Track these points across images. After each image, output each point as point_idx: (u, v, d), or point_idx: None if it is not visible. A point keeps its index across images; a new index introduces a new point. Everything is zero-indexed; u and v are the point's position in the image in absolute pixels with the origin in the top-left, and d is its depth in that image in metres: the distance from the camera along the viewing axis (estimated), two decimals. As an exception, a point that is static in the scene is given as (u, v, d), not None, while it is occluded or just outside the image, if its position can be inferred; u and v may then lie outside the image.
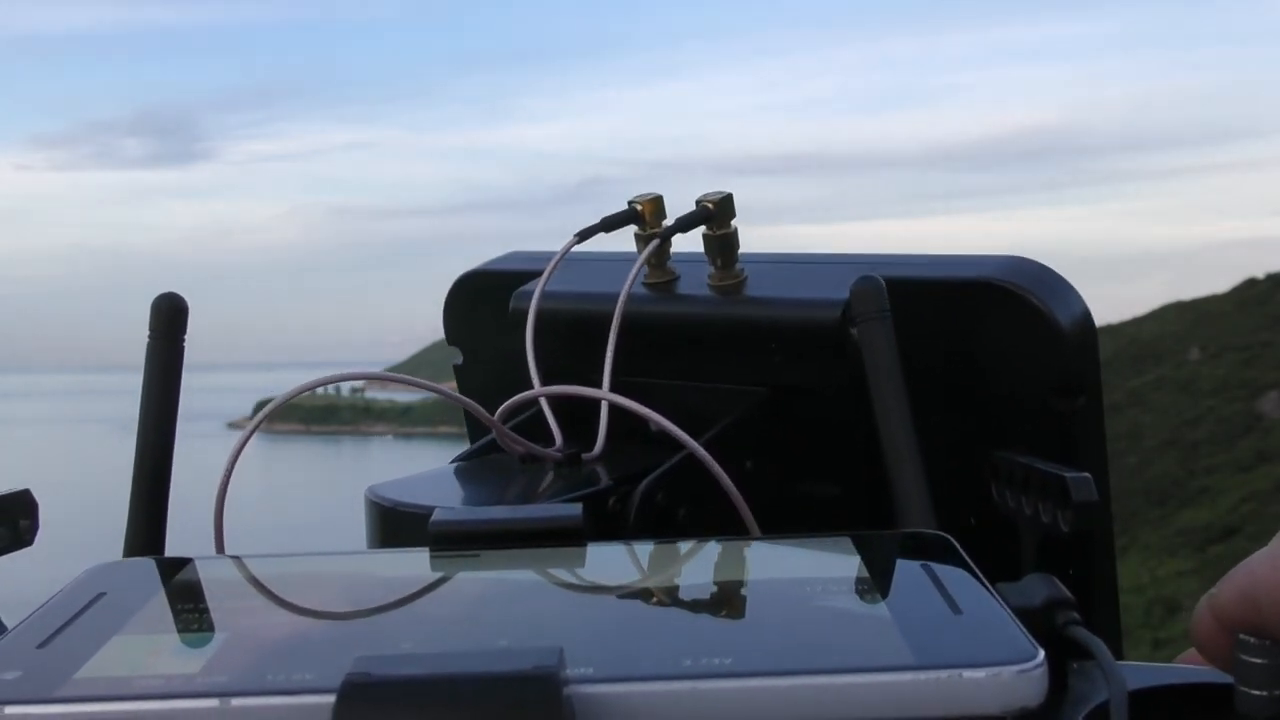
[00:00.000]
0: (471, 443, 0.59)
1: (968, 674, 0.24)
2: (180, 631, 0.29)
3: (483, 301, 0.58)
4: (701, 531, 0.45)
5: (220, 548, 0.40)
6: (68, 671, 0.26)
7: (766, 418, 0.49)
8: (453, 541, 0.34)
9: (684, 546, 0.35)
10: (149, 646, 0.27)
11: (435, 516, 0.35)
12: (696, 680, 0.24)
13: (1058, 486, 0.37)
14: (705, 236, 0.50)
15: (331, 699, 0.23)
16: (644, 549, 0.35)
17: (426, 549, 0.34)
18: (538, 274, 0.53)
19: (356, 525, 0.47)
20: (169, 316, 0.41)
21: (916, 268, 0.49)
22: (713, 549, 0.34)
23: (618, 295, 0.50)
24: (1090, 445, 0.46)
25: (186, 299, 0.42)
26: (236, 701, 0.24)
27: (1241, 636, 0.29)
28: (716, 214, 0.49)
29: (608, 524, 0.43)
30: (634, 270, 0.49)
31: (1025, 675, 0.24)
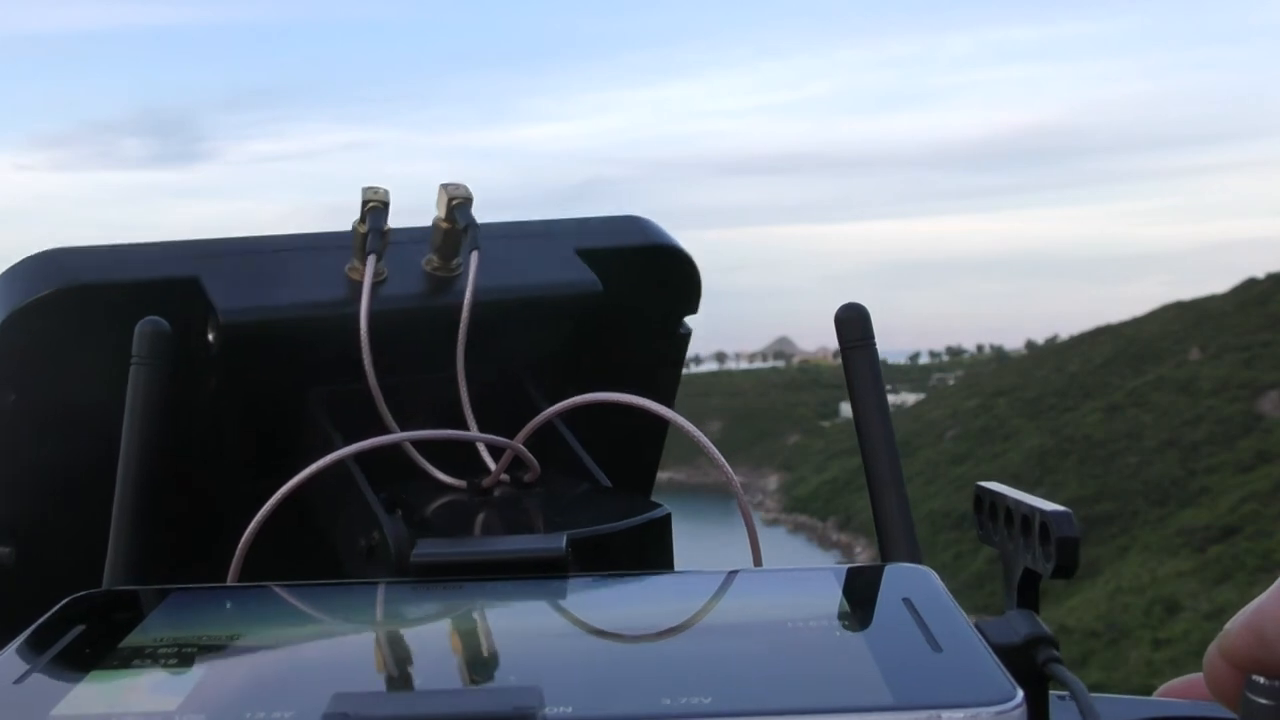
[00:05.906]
0: None
1: (946, 715, 0.24)
2: (158, 667, 0.28)
3: (76, 317, 0.46)
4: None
5: (237, 577, 0.39)
6: (43, 709, 0.25)
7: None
8: (437, 573, 0.34)
9: (668, 578, 0.35)
10: (126, 683, 0.27)
11: (418, 549, 0.35)
12: None
13: (1038, 522, 0.36)
14: (445, 229, 0.48)
15: None
16: (627, 580, 0.35)
17: (411, 581, 0.34)
18: (132, 283, 0.46)
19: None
20: (152, 343, 0.39)
21: (578, 237, 0.53)
22: (698, 581, 0.34)
23: (323, 301, 0.46)
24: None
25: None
26: None
27: (1252, 677, 0.29)
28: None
29: (641, 552, 0.43)
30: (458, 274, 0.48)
31: (1003, 716, 0.24)
